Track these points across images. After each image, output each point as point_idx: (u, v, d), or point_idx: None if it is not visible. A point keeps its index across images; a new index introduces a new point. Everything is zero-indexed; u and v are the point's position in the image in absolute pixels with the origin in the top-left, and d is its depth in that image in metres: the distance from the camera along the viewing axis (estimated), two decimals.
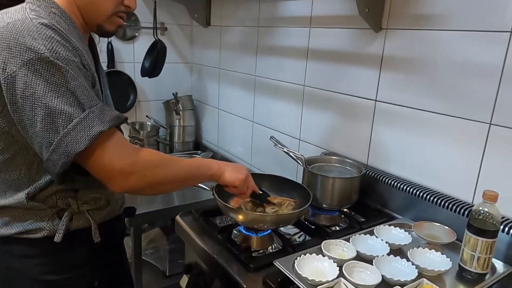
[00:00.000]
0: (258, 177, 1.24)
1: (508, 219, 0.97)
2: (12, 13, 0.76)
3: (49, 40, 0.73)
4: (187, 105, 2.32)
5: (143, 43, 2.17)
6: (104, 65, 2.14)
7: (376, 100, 1.31)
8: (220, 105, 2.23)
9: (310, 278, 0.80)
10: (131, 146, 0.82)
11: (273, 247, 1.07)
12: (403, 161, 1.25)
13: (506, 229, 0.95)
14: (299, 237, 1.15)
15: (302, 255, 0.88)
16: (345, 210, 1.29)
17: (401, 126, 1.24)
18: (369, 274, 0.85)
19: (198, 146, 2.41)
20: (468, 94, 1.06)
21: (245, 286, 0.88)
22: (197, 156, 2.24)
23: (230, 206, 1.03)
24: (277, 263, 0.87)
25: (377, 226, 1.05)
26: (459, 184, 1.11)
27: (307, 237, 1.14)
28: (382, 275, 0.83)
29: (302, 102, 1.62)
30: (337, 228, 1.20)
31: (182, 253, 1.87)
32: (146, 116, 2.29)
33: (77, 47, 0.78)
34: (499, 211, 0.86)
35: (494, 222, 0.86)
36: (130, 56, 2.22)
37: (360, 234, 1.00)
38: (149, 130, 2.28)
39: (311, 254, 0.89)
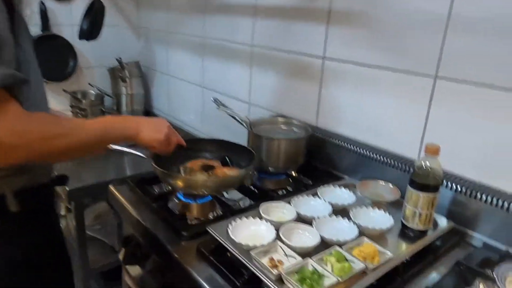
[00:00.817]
0: (201, 142, 1.16)
1: (454, 175, 0.95)
2: None
3: None
4: (134, 72, 2.17)
5: (80, 4, 1.97)
6: (37, 28, 1.94)
7: (324, 58, 1.24)
8: (170, 71, 2.10)
9: (244, 243, 0.74)
10: (21, 113, 0.68)
11: (214, 214, 1.01)
12: (352, 121, 1.21)
13: (450, 184, 0.93)
14: (243, 203, 1.09)
15: (238, 219, 0.82)
16: (293, 173, 1.24)
17: (349, 84, 1.19)
18: (308, 236, 0.80)
19: (148, 115, 2.28)
20: (414, 47, 1.01)
21: (176, 256, 0.81)
22: None
23: (165, 172, 0.95)
24: (210, 229, 0.80)
25: (321, 187, 1.00)
26: (406, 141, 1.07)
27: (252, 203, 1.08)
28: (321, 236, 0.78)
29: (250, 63, 1.53)
30: (284, 192, 1.15)
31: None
32: (89, 84, 2.13)
33: None
34: (441, 165, 0.83)
35: (436, 176, 0.82)
36: (68, 18, 2.02)
37: (302, 196, 0.95)
38: (92, 99, 2.11)
39: (247, 218, 0.83)
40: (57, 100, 2.07)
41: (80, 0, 1.99)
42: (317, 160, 1.26)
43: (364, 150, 1.12)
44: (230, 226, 0.79)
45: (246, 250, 0.74)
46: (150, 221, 0.94)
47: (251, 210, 0.90)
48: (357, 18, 1.12)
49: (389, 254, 0.75)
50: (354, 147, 1.15)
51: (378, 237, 0.84)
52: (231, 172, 1.03)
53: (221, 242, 0.77)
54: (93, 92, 2.13)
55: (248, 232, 0.81)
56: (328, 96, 1.26)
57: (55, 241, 1.00)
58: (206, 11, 1.73)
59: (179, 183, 0.92)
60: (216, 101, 1.23)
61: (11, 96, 0.67)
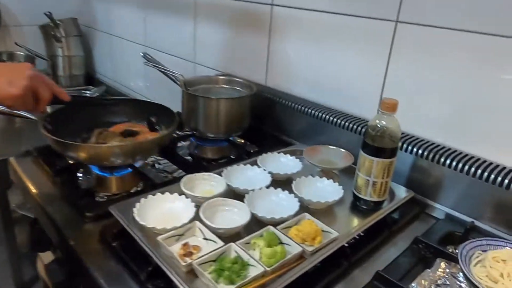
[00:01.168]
0: (116, 103, 0.97)
1: (412, 135, 0.82)
2: None
3: None
4: (72, 31, 1.90)
5: None
6: None
7: (272, 4, 1.06)
8: (112, 30, 1.85)
9: (151, 226, 0.58)
10: None
11: (139, 188, 0.84)
12: (305, 79, 1.04)
13: (409, 147, 0.79)
14: (178, 175, 0.93)
15: (149, 196, 0.65)
16: (238, 140, 1.08)
17: (300, 35, 1.02)
18: (236, 214, 0.65)
19: (91, 80, 2.04)
20: None
21: (72, 243, 0.64)
22: (88, 93, 1.90)
23: (58, 140, 0.75)
24: (113, 210, 0.64)
25: (263, 155, 0.84)
26: (364, 100, 0.92)
27: (182, 174, 0.91)
28: (253, 213, 0.63)
29: (194, 16, 1.33)
30: (226, 161, 0.99)
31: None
32: (16, 43, 1.85)
33: None
34: (399, 124, 0.68)
35: (392, 137, 0.68)
36: None
37: (238, 165, 0.79)
38: (21, 61, 1.85)
39: (163, 193, 0.67)
40: None
41: None
42: (266, 124, 1.10)
43: (318, 112, 0.96)
44: (137, 205, 0.62)
45: (154, 235, 0.58)
46: (50, 200, 0.76)
47: (172, 184, 0.73)
48: None
49: (333, 233, 0.61)
50: (307, 108, 0.99)
51: (325, 212, 0.70)
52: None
53: (124, 225, 0.60)
54: (21, 53, 1.86)
55: (161, 211, 0.64)
56: (278, 51, 1.09)
57: None
58: None
59: (81, 154, 0.74)
60: (145, 56, 1.03)
61: None
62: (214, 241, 0.58)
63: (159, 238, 0.56)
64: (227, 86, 1.07)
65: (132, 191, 0.83)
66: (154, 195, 0.66)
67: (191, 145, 1.03)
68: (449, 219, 0.76)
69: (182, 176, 0.86)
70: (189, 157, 1.00)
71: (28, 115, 0.76)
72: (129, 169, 0.84)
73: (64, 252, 0.72)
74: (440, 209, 0.78)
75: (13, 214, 1.50)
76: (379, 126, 0.68)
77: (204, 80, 1.07)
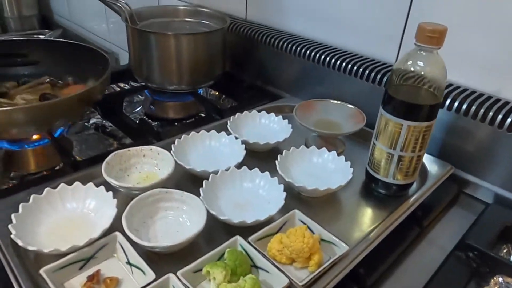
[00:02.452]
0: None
1: (455, 85, 0.56)
2: None
3: None
4: None
5: None
6: None
7: None
8: None
9: (38, 248, 0.34)
10: None
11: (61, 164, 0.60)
12: (298, 9, 0.76)
13: (449, 101, 0.54)
14: (121, 141, 0.69)
15: (47, 190, 0.41)
16: (212, 93, 0.82)
17: None
18: (185, 215, 0.41)
19: (45, 22, 1.72)
20: None
21: None
22: (42, 37, 1.59)
23: None
24: None
25: (237, 114, 0.59)
26: (379, 36, 0.66)
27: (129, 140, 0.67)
28: (213, 215, 0.39)
29: None
30: (192, 122, 0.74)
31: None
32: None
33: None
34: (445, 65, 0.43)
35: (434, 88, 0.43)
36: None
37: (198, 132, 0.54)
38: None
39: (70, 184, 0.42)
40: None
41: None
42: (246, 71, 0.84)
43: (316, 52, 0.70)
44: (14, 217, 0.38)
45: (45, 261, 0.35)
46: None
47: (96, 163, 0.48)
48: None
49: (340, 245, 0.38)
50: (302, 48, 0.72)
51: (324, 203, 0.46)
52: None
53: None
54: None
55: (57, 218, 0.40)
56: None
57: None
58: None
59: None
60: None
61: None
62: (142, 270, 0.34)
63: (43, 270, 0.33)
64: (191, 20, 0.79)
65: (56, 169, 0.59)
66: (54, 188, 0.41)
67: (145, 101, 0.78)
68: (500, 203, 0.53)
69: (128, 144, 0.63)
70: (144, 117, 0.75)
71: None
72: (46, 140, 0.59)
73: None
74: (487, 189, 0.55)
75: None
76: (412, 69, 0.43)
77: (159, 11, 0.79)
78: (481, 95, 0.54)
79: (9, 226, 0.36)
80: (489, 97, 0.54)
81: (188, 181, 0.47)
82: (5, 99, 0.62)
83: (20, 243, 0.35)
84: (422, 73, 0.42)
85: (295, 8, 0.77)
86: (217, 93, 0.84)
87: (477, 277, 0.42)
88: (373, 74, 0.62)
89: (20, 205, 0.38)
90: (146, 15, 0.77)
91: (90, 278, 0.34)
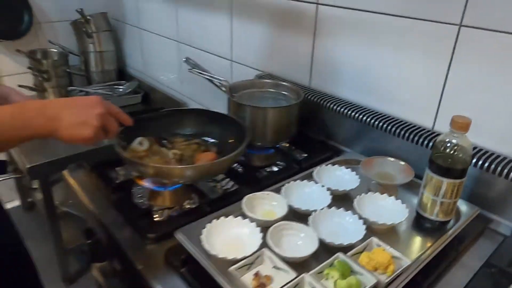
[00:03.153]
0: (174, 115, 0.96)
1: (478, 148, 0.78)
2: None
3: None
4: (102, 26, 1.89)
5: None
6: None
7: (317, 3, 1.01)
8: (142, 24, 1.84)
9: (221, 256, 0.58)
10: None
11: (192, 201, 0.84)
12: (352, 81, 1.01)
13: (474, 160, 0.76)
14: (224, 184, 0.92)
15: (214, 221, 0.65)
16: (284, 144, 1.06)
17: (348, 35, 0.97)
18: (303, 238, 0.64)
19: (122, 75, 2.04)
20: None
21: (139, 268, 0.65)
22: (120, 88, 1.90)
23: (137, 161, 0.75)
24: (179, 237, 0.63)
25: (317, 168, 0.82)
26: (419, 106, 0.89)
27: (234, 186, 0.90)
28: (320, 239, 0.62)
29: (231, 12, 1.29)
30: (274, 169, 0.97)
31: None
32: (49, 41, 1.86)
33: None
34: (471, 143, 0.65)
35: (464, 157, 0.65)
36: None
37: (295, 181, 0.77)
38: (56, 58, 1.85)
39: (226, 217, 0.66)
40: (14, 61, 1.82)
41: None
42: (311, 128, 1.08)
43: (367, 117, 0.93)
44: (204, 232, 0.62)
45: (224, 265, 0.58)
46: (109, 217, 0.77)
47: (231, 204, 0.72)
48: None
49: (405, 260, 0.60)
50: (355, 113, 0.96)
51: (389, 233, 0.68)
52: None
53: (192, 254, 0.60)
54: (55, 50, 1.87)
55: (228, 237, 0.64)
56: (323, 51, 1.05)
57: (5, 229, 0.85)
58: None
59: (150, 172, 0.73)
60: (188, 61, 1.02)
61: None
62: (285, 271, 0.57)
63: (232, 269, 0.56)
64: (273, 90, 1.04)
65: (185, 204, 0.83)
66: (218, 219, 0.65)
67: None
68: None
69: (234, 189, 0.86)
70: (236, 165, 0.99)
71: None
72: (181, 184, 0.84)
73: (129, 272, 0.72)
74: (506, 225, 0.75)
75: (57, 210, 1.55)
76: (449, 145, 0.65)
77: (249, 84, 1.05)
78: (498, 156, 0.76)
79: (203, 232, 0.60)
80: (504, 158, 0.75)
81: (295, 216, 0.70)
82: (164, 148, 0.86)
83: (210, 251, 0.58)
84: (455, 147, 0.65)
85: (349, 81, 1.01)
86: (288, 145, 1.07)
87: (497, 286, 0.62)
88: (411, 136, 0.85)
89: (207, 225, 0.62)
90: (239, 87, 1.03)
91: (255, 275, 0.56)
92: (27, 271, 0.95)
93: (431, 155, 0.67)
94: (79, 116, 0.62)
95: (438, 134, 0.82)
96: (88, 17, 1.82)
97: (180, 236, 0.63)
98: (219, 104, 1.28)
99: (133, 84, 1.90)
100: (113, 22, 1.97)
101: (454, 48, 0.79)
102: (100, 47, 1.91)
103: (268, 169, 0.97)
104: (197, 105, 1.61)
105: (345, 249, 0.61)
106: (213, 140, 0.94)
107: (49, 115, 0.60)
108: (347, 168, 0.83)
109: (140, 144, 0.81)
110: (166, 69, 1.80)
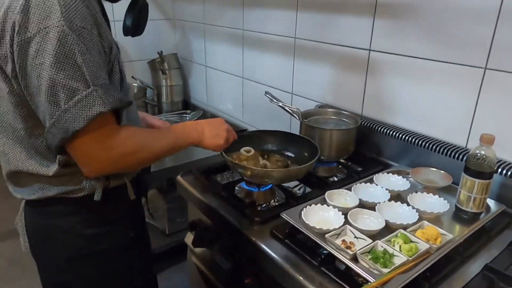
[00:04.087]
0: (262, 134, 1.24)
1: (503, 161, 1.01)
2: None
3: (67, 7, 0.71)
4: (173, 64, 2.26)
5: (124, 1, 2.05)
6: None
7: (370, 50, 1.30)
8: (207, 62, 2.18)
9: (317, 227, 0.83)
10: (116, 132, 0.79)
11: (276, 200, 1.10)
12: (397, 110, 1.27)
13: (500, 170, 0.99)
14: (299, 189, 1.18)
15: (308, 206, 0.91)
16: (342, 160, 1.31)
17: (394, 75, 1.24)
18: (373, 220, 0.88)
19: (187, 105, 2.37)
20: (463, 39, 1.06)
21: (253, 239, 0.91)
22: (187, 116, 2.22)
23: (238, 163, 1.03)
24: (284, 215, 0.90)
25: (376, 174, 1.08)
26: (453, 129, 1.13)
27: (307, 189, 1.17)
28: (385, 220, 0.87)
29: (293, 54, 1.60)
30: (335, 179, 1.23)
31: (180, 212, 1.92)
32: (132, 77, 2.23)
33: (96, 15, 0.76)
34: (495, 153, 0.89)
35: (490, 164, 0.89)
36: (109, 15, 2.10)
37: (360, 183, 1.03)
38: (136, 91, 2.22)
39: (316, 204, 0.92)
40: None
41: None
42: (364, 147, 1.33)
43: (411, 137, 1.18)
44: (302, 212, 0.88)
45: (319, 233, 0.83)
46: (221, 208, 1.04)
47: (316, 197, 0.98)
48: (403, 10, 1.17)
49: (449, 235, 0.83)
50: (400, 134, 1.21)
51: (435, 220, 0.92)
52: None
53: (296, 226, 0.86)
54: (135, 84, 2.23)
55: (318, 217, 0.90)
56: (373, 86, 1.32)
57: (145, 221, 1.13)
58: (244, 4, 1.78)
59: (249, 173, 1.01)
60: (267, 94, 1.31)
61: (112, 117, 0.78)
62: (364, 239, 0.82)
63: (327, 235, 0.81)
64: (335, 117, 1.32)
65: (272, 201, 1.09)
66: (310, 205, 0.91)
67: None
68: None
69: (309, 191, 1.12)
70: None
71: None
72: (271, 185, 1.11)
73: (237, 245, 0.98)
74: None
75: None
76: (479, 155, 0.90)
77: (315, 112, 1.33)
78: None
79: (302, 212, 0.86)
80: None
81: (364, 206, 0.95)
82: (264, 160, 1.14)
83: (310, 224, 0.84)
84: (484, 156, 0.89)
85: (396, 109, 1.27)
86: (346, 160, 1.33)
87: None
88: (449, 152, 1.09)
89: (303, 209, 0.88)
90: (308, 114, 1.31)
91: (343, 241, 0.81)
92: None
93: (466, 162, 0.92)
94: (215, 130, 0.95)
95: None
96: (164, 56, 2.18)
97: (284, 216, 0.89)
98: (278, 128, 1.57)
99: (198, 113, 2.22)
100: (182, 60, 2.33)
101: (481, 85, 1.05)
102: (171, 82, 2.26)
103: (331, 179, 1.23)
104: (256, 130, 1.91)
105: (404, 227, 0.85)
106: (291, 154, 1.21)
107: (199, 130, 0.92)
108: (399, 175, 1.08)
109: (247, 152, 1.09)
110: (226, 100, 2.11)
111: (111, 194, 0.90)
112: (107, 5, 0.97)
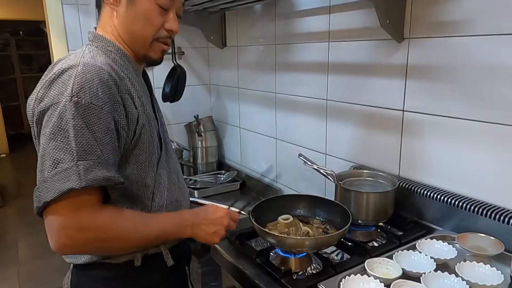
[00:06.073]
0: (294, 198, 1.23)
1: None
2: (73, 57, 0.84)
3: (80, 84, 0.76)
4: (208, 126, 2.33)
5: (162, 68, 2.19)
6: None
7: (403, 110, 1.29)
8: (241, 124, 2.24)
9: None
10: (94, 212, 0.78)
11: (312, 267, 1.06)
12: (437, 170, 1.22)
13: None
14: (336, 255, 1.13)
15: (347, 276, 0.86)
16: (381, 224, 1.26)
17: (431, 134, 1.22)
18: None
19: (221, 165, 2.41)
20: (498, 98, 1.03)
21: None
22: (221, 176, 2.25)
23: (267, 231, 1.01)
24: (322, 286, 0.85)
25: (419, 241, 1.02)
26: (499, 190, 1.07)
27: (345, 255, 1.12)
28: None
29: (326, 116, 1.61)
30: (375, 244, 1.17)
31: (215, 276, 1.87)
32: (171, 140, 2.31)
33: (125, 87, 0.83)
34: None
35: None
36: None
37: (402, 250, 0.98)
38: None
39: (355, 274, 0.87)
40: None
41: (161, 65, 2.23)
42: (403, 210, 1.28)
43: (453, 199, 1.13)
44: (341, 284, 0.84)
45: None
46: (256, 275, 1.01)
47: (353, 265, 0.94)
48: (435, 72, 1.17)
49: None
50: (442, 196, 1.16)
51: None
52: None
53: None
54: (173, 147, 2.30)
55: None
56: (409, 146, 1.29)
57: None
58: (275, 69, 1.86)
59: (279, 242, 0.99)
60: (301, 156, 1.31)
61: (94, 195, 0.78)
62: None
63: None
64: (371, 179, 1.29)
65: (309, 269, 1.05)
66: (349, 275, 0.87)
67: None
68: None
69: (347, 258, 1.07)
70: (343, 240, 1.21)
71: (239, 211, 1.06)
72: (305, 253, 1.07)
73: None
74: None
75: None
76: None
77: (350, 173, 1.31)
78: None
79: (341, 284, 0.81)
80: None
81: (407, 277, 0.89)
82: (306, 226, 1.12)
83: None
84: None
85: (433, 170, 1.23)
86: (385, 224, 1.27)
87: None
88: (497, 216, 1.02)
89: (343, 280, 0.84)
90: (343, 176, 1.29)
91: None
92: None
93: None
94: (213, 227, 0.94)
95: None
96: (200, 119, 2.27)
97: (322, 286, 0.85)
98: (311, 190, 1.55)
99: (232, 173, 2.24)
100: (217, 123, 2.41)
101: None
102: (206, 144, 2.32)
103: (370, 244, 1.18)
104: (291, 191, 1.89)
105: None
106: (323, 219, 1.18)
107: (196, 225, 0.92)
108: (443, 241, 1.02)
109: (285, 220, 1.08)
110: (260, 161, 2.13)
111: (150, 261, 0.90)
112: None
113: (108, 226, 0.79)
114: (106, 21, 0.88)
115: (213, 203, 1.16)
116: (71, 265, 0.96)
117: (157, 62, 0.95)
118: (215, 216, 0.95)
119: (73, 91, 0.75)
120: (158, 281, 0.94)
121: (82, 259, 0.89)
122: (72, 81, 0.76)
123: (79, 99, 0.75)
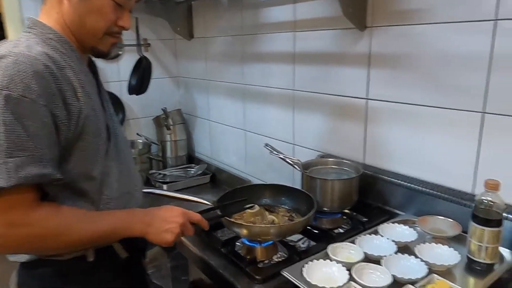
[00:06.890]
0: (260, 188, 1.23)
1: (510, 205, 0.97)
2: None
3: (11, 76, 0.72)
4: (177, 119, 2.29)
5: (128, 60, 2.15)
6: None
7: (367, 99, 1.31)
8: (211, 117, 2.21)
9: (320, 285, 0.79)
10: (29, 210, 0.74)
11: (278, 256, 1.06)
12: (400, 157, 1.25)
13: (511, 216, 0.95)
14: (303, 243, 1.14)
15: (309, 262, 0.87)
16: (346, 211, 1.28)
17: (394, 122, 1.24)
18: (379, 275, 0.84)
19: (191, 159, 2.38)
20: (459, 85, 1.06)
21: None
22: (191, 170, 2.22)
23: (233, 221, 1.01)
24: (285, 273, 0.85)
25: (381, 225, 1.04)
26: (457, 175, 1.10)
27: (311, 243, 1.12)
28: (392, 275, 0.82)
29: (293, 106, 1.62)
30: (341, 231, 1.19)
31: (185, 270, 1.86)
32: (137, 134, 2.26)
33: (65, 77, 0.78)
34: (502, 199, 0.86)
35: (498, 210, 0.85)
36: (115, 75, 2.19)
37: (365, 235, 0.99)
38: (140, 148, 2.24)
39: (318, 260, 0.88)
40: None
41: (127, 57, 2.18)
42: (368, 196, 1.30)
43: (415, 185, 1.15)
44: (304, 269, 0.84)
45: None
46: (221, 266, 1.00)
47: (318, 251, 0.94)
48: (398, 60, 1.19)
49: None
50: (405, 182, 1.18)
51: (446, 273, 0.86)
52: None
53: (298, 284, 0.81)
54: (140, 141, 2.26)
55: (321, 274, 0.85)
56: (374, 134, 1.31)
57: (145, 283, 1.08)
58: (243, 60, 1.84)
59: (245, 231, 0.98)
60: (267, 146, 1.30)
61: (29, 192, 0.74)
62: None
63: None
64: (336, 167, 1.30)
65: (275, 258, 1.05)
66: (312, 261, 0.87)
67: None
68: None
69: (313, 245, 1.07)
70: (309, 228, 1.22)
71: (205, 202, 1.04)
72: (271, 241, 1.07)
73: None
74: None
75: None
76: (485, 201, 0.86)
77: (316, 162, 1.32)
78: None
79: (303, 269, 0.81)
80: None
81: (369, 260, 0.90)
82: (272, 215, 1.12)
83: (311, 282, 0.79)
84: (490, 203, 0.85)
85: (397, 157, 1.25)
86: (350, 210, 1.29)
87: None
88: (455, 198, 1.05)
89: (305, 265, 0.84)
90: (309, 165, 1.29)
91: None
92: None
93: (473, 210, 0.88)
94: (165, 225, 0.86)
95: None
96: (168, 113, 2.23)
97: (285, 274, 0.85)
98: (281, 180, 1.55)
99: (202, 166, 2.22)
100: (186, 116, 2.37)
101: (481, 129, 1.03)
102: (175, 137, 2.28)
103: (336, 231, 1.19)
104: (259, 181, 1.89)
105: (413, 282, 0.80)
106: (289, 208, 1.19)
107: (146, 222, 0.86)
108: (405, 225, 1.04)
109: (251, 208, 1.07)
110: (230, 153, 2.11)
111: (103, 255, 0.87)
112: (112, 66, 0.99)
113: (42, 223, 0.75)
114: (53, 6, 0.83)
115: (182, 195, 1.14)
116: (18, 264, 0.91)
117: (106, 54, 0.90)
118: (168, 214, 0.89)
119: (3, 84, 0.70)
120: (111, 276, 0.90)
121: (26, 257, 0.84)
122: (1, 73, 0.71)
123: (10, 92, 0.71)
